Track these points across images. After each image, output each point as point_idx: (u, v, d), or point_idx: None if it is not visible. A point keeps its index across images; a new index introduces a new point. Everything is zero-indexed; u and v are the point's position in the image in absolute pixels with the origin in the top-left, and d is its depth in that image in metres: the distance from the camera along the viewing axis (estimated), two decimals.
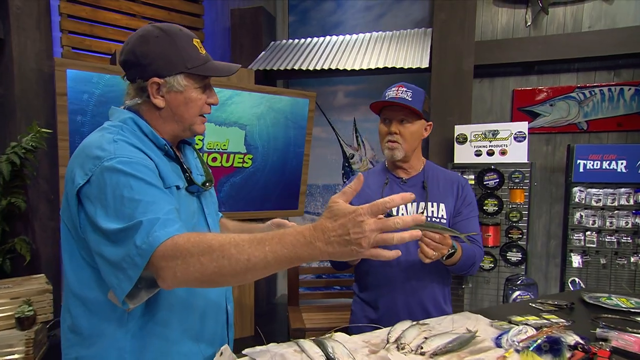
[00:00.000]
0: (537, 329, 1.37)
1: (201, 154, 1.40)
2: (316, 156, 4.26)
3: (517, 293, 3.18)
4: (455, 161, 3.44)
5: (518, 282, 3.21)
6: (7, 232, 2.97)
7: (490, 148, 3.36)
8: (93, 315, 1.08)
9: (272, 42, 4.16)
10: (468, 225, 1.70)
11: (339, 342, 1.28)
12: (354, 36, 4.05)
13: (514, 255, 3.28)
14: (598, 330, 1.38)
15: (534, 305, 1.72)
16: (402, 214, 1.70)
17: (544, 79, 3.81)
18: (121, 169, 0.98)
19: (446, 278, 1.77)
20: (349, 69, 3.64)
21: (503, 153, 3.33)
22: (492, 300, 3.51)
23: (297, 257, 0.85)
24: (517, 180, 3.27)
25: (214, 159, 3.02)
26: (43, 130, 2.99)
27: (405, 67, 3.55)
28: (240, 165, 3.14)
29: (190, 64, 1.12)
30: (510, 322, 1.49)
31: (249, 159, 3.17)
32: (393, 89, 1.66)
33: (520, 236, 3.28)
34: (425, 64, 3.53)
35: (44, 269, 3.22)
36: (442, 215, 1.69)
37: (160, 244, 0.90)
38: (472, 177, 3.34)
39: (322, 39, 4.10)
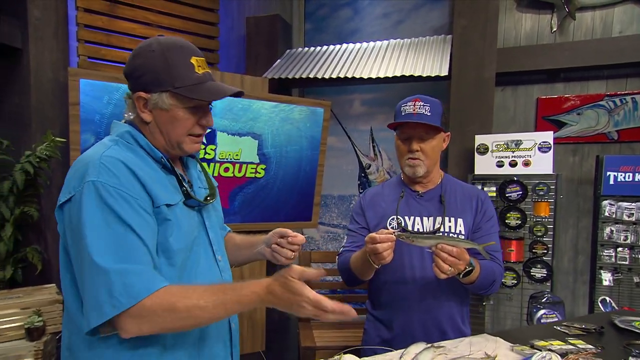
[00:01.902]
0: (562, 355, 1.27)
1: (205, 167, 1.34)
2: (331, 166, 4.16)
3: (542, 312, 3.02)
4: (476, 172, 3.31)
5: (543, 300, 3.05)
6: (20, 241, 2.97)
7: (513, 159, 3.22)
8: (84, 336, 1.05)
9: (288, 50, 4.11)
10: (489, 242, 1.59)
11: None
12: (371, 44, 3.97)
13: (539, 272, 3.11)
14: (631, 359, 1.26)
15: (559, 328, 1.61)
16: (418, 229, 1.61)
17: (571, 87, 3.65)
18: (103, 198, 0.97)
19: (465, 297, 1.66)
20: (365, 77, 3.55)
21: (527, 164, 3.19)
22: (515, 319, 3.34)
23: (248, 309, 1.06)
24: (541, 193, 3.11)
25: (226, 169, 2.96)
26: (57, 139, 2.99)
27: (424, 75, 3.44)
28: (253, 175, 3.07)
29: (178, 84, 1.08)
30: (533, 347, 1.39)
31: (261, 169, 3.10)
32: (409, 103, 1.57)
33: (545, 251, 3.11)
34: (444, 72, 3.42)
35: (55, 278, 3.20)
36: (460, 230, 1.59)
37: (134, 305, 0.94)
38: (494, 188, 3.20)
39: (338, 46, 4.03)
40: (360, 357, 1.28)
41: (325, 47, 4.05)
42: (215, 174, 2.90)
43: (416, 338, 1.45)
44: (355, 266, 1.57)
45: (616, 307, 3.03)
